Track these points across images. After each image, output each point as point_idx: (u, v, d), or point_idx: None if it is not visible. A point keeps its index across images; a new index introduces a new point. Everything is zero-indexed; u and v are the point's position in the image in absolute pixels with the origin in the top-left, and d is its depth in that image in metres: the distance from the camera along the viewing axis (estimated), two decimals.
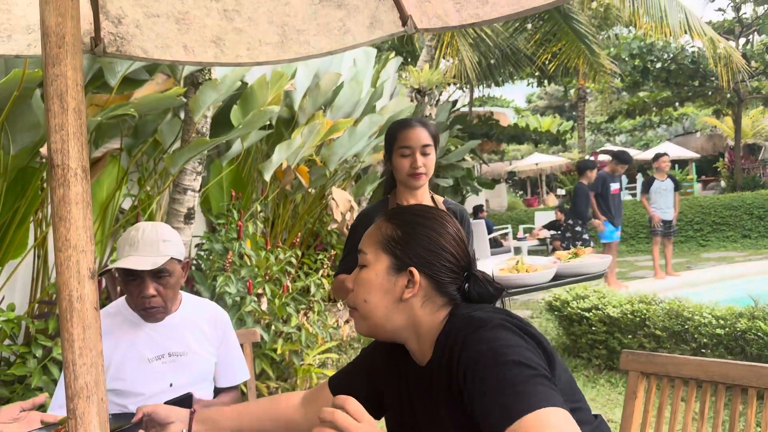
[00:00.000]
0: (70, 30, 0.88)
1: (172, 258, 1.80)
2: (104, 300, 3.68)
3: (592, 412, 1.14)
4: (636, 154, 20.41)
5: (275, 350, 4.44)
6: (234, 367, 2.01)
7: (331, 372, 4.87)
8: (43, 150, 3.28)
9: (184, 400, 1.62)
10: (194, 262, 4.61)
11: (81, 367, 0.85)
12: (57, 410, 1.80)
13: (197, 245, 4.86)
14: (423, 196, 2.18)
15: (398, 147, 2.11)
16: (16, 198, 3.23)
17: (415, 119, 2.15)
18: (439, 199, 2.24)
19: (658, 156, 8.02)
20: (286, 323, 4.63)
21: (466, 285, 1.14)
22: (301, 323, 4.72)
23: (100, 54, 1.98)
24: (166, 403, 1.62)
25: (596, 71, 10.98)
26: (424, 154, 2.09)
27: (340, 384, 1.32)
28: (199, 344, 1.92)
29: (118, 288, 3.57)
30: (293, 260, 5.15)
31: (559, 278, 2.09)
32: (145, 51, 2.06)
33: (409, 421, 1.16)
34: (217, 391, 2.01)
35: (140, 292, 1.77)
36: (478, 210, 11.41)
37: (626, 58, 13.99)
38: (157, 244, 1.76)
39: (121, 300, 1.92)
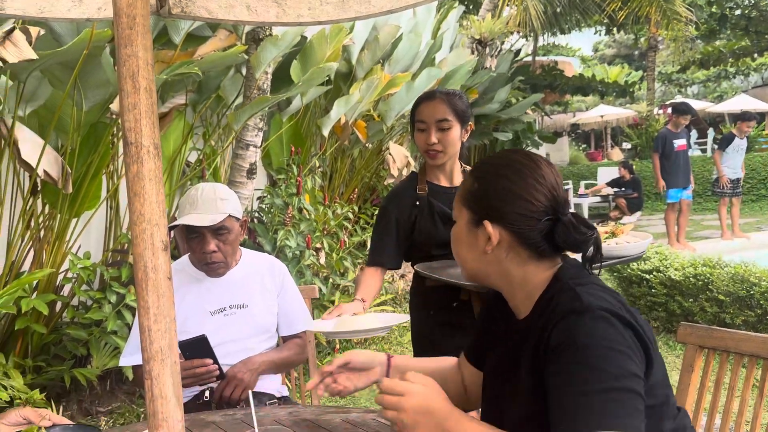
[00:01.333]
0: (140, 11, 0.91)
1: (230, 215, 1.88)
2: (173, 250, 3.86)
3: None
4: (708, 106, 19.35)
5: (333, 302, 4.57)
6: (295, 315, 2.08)
7: None
8: (113, 106, 3.40)
9: (199, 341, 1.73)
10: (256, 215, 4.75)
11: (156, 332, 0.91)
12: (128, 357, 1.94)
13: (259, 198, 4.99)
14: (452, 171, 2.10)
15: (416, 121, 2.03)
16: (89, 152, 3.39)
17: (440, 91, 2.04)
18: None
19: (747, 117, 7.62)
20: (343, 276, 4.74)
21: (552, 232, 1.08)
22: (357, 277, 4.83)
23: (165, 15, 2.01)
24: (179, 344, 1.72)
25: (670, 19, 10.37)
26: (441, 130, 1.98)
27: (472, 350, 1.33)
28: (259, 296, 2.00)
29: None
30: (350, 215, 5.23)
31: None
32: (210, 12, 2.08)
33: (497, 368, 1.18)
34: (282, 342, 2.10)
35: (202, 248, 1.86)
36: None
37: (702, 5, 13.11)
38: (215, 202, 1.84)
39: (185, 258, 2.02)
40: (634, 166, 11.01)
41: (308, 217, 4.62)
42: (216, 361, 1.76)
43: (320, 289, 4.46)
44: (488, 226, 1.09)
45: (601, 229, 1.98)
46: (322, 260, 4.48)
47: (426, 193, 2.05)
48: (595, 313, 0.97)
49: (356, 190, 6.04)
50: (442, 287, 1.99)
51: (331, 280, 4.62)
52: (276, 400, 1.93)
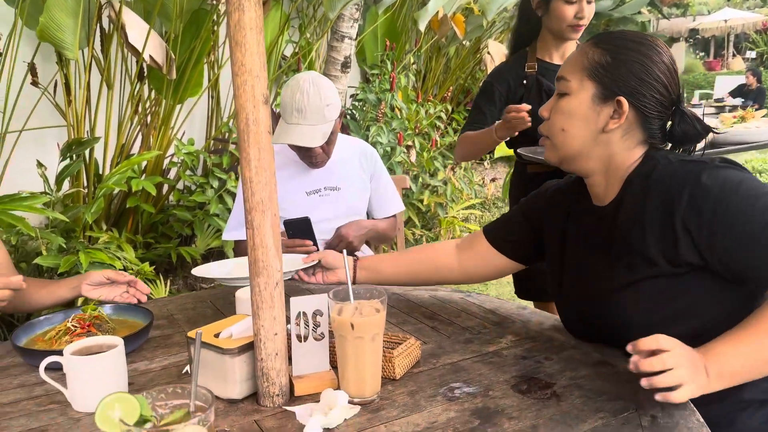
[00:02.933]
0: None
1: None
2: None
3: None
4: None
5: (422, 201, 4.59)
6: (387, 199, 2.13)
7: (473, 227, 4.98)
8: None
9: (303, 222, 1.78)
10: (349, 111, 4.75)
11: (257, 184, 0.93)
12: (230, 232, 2.05)
13: (352, 96, 4.98)
14: (567, 49, 2.01)
15: None
16: (191, 39, 3.45)
17: None
18: None
19: None
20: (433, 176, 4.73)
21: (671, 121, 1.09)
22: (447, 177, 4.80)
23: None
24: (284, 222, 1.78)
25: None
26: (589, 2, 1.90)
27: (495, 232, 1.34)
28: (352, 180, 2.05)
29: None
30: (443, 115, 5.13)
31: (717, 146, 1.78)
32: None
33: (577, 260, 1.17)
34: None
35: (308, 150, 1.89)
36: None
37: None
38: (322, 111, 1.82)
39: None
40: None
41: (400, 115, 4.57)
42: (315, 244, 1.82)
43: (410, 187, 4.48)
44: (624, 102, 1.05)
45: (728, 115, 1.86)
46: (413, 158, 4.46)
47: (535, 71, 1.99)
48: (714, 164, 1.00)
49: (450, 90, 5.87)
50: (545, 174, 1.94)
51: (420, 179, 4.62)
52: None
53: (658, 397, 0.86)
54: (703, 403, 0.91)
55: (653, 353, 0.87)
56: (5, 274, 1.45)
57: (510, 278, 2.28)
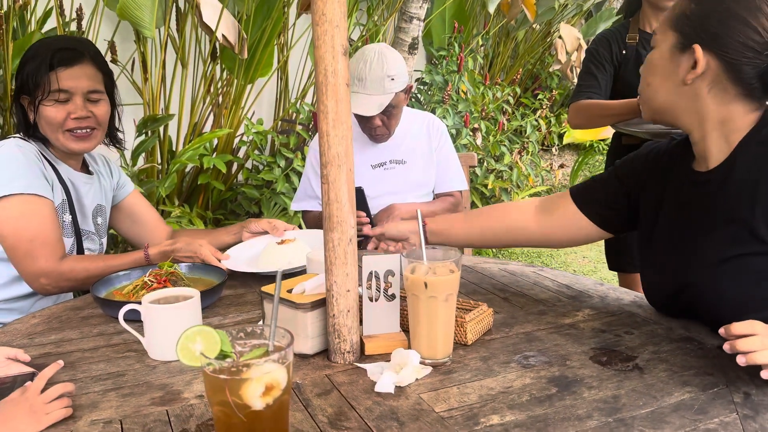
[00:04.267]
0: None
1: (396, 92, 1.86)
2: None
3: None
4: None
5: (486, 186, 4.51)
6: (449, 174, 2.08)
7: None
8: None
9: (356, 192, 1.74)
10: (413, 94, 4.71)
11: (334, 137, 0.92)
12: (297, 203, 2.08)
13: (417, 80, 4.93)
14: None
15: None
16: (263, 19, 3.49)
17: None
18: None
19: None
20: (498, 161, 4.63)
21: None
22: (513, 162, 4.70)
23: None
24: None
25: None
26: None
27: (584, 194, 1.24)
28: (418, 153, 2.03)
29: None
30: (510, 99, 5.02)
31: None
32: None
33: (670, 227, 1.10)
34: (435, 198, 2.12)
35: (367, 121, 1.89)
36: None
37: None
38: (382, 81, 1.80)
39: None
40: None
41: (466, 98, 4.50)
42: (369, 215, 1.81)
43: (475, 171, 4.41)
44: (698, 50, 0.97)
45: None
46: (479, 141, 4.39)
47: (636, 42, 1.96)
48: None
49: (519, 73, 5.74)
50: (639, 145, 1.91)
51: (486, 163, 4.54)
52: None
53: (765, 374, 0.82)
54: None
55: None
56: (158, 229, 1.62)
57: (581, 255, 2.22)
